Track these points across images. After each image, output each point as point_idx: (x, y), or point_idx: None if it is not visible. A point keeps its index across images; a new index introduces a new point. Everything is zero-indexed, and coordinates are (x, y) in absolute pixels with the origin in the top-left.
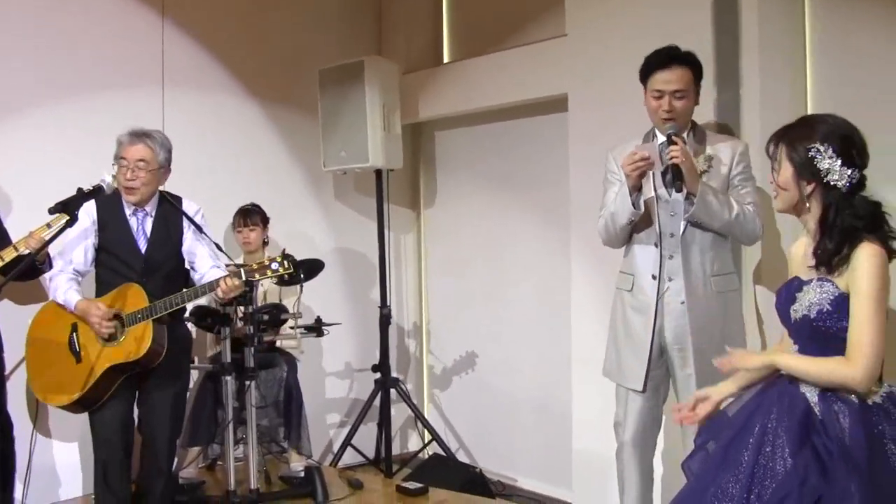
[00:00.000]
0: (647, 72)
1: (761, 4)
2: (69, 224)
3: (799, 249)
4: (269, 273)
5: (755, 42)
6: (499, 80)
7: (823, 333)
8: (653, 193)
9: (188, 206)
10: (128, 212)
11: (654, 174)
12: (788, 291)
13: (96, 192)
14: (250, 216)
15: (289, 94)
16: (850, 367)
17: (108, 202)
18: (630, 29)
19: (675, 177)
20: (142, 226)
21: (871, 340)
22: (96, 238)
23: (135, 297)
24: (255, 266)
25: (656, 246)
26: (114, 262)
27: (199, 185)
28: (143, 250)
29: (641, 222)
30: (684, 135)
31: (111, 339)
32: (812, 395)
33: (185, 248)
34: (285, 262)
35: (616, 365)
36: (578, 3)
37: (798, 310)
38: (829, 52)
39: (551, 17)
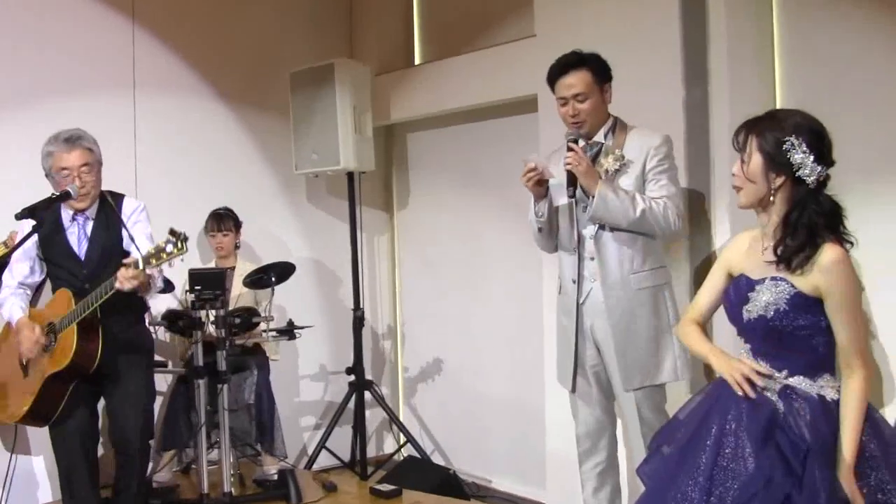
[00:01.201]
0: (550, 85)
1: (728, 4)
2: (36, 229)
3: (742, 243)
4: (164, 256)
5: (723, 39)
6: (469, 81)
7: (779, 332)
8: (571, 199)
9: (129, 201)
10: (66, 218)
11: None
12: (738, 291)
13: (64, 197)
14: (223, 221)
15: (260, 96)
16: (860, 377)
17: (46, 213)
18: (598, 29)
19: (568, 182)
20: (83, 230)
21: (862, 342)
22: (39, 250)
23: (62, 303)
24: (151, 251)
25: (575, 250)
26: (58, 271)
27: (170, 188)
28: (81, 256)
29: (564, 227)
30: (602, 132)
31: (47, 349)
32: (772, 394)
33: (124, 246)
34: (178, 243)
35: (557, 366)
36: (547, 3)
37: (752, 310)
38: (798, 48)
39: (520, 17)
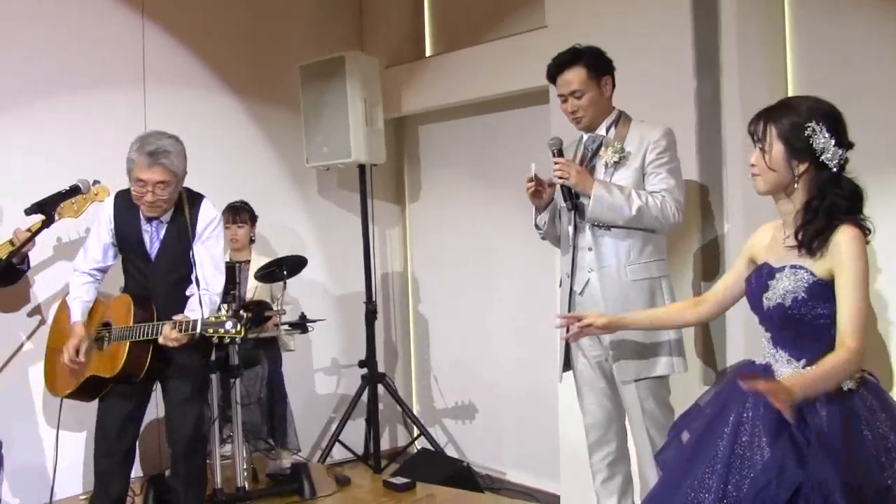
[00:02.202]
0: (551, 82)
1: None
2: (45, 225)
3: (765, 235)
4: (221, 332)
5: (734, 29)
6: (481, 73)
7: (798, 321)
8: (571, 211)
9: (206, 212)
10: (143, 219)
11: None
12: (759, 279)
13: (73, 193)
14: (239, 213)
15: (270, 90)
16: (848, 350)
17: (125, 205)
18: (609, 19)
19: (564, 196)
20: (157, 232)
21: (861, 321)
22: (113, 238)
23: (122, 311)
24: (211, 319)
25: (573, 242)
26: (129, 263)
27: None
28: (152, 256)
29: (565, 219)
30: (605, 125)
31: (101, 343)
32: None
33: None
34: (239, 327)
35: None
36: None
37: (772, 298)
38: (809, 37)
39: (531, 8)
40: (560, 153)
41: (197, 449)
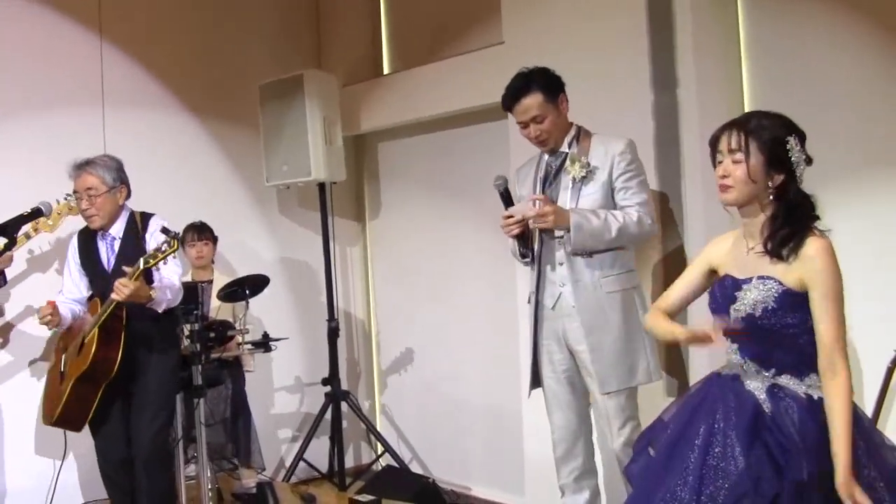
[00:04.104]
0: (507, 111)
1: (694, 10)
2: (7, 248)
3: (724, 244)
4: (159, 255)
5: (690, 43)
6: (439, 90)
7: (767, 331)
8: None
9: (155, 221)
10: (99, 238)
11: (536, 184)
12: (723, 291)
13: (35, 215)
14: (202, 231)
15: (229, 110)
16: (844, 377)
17: (87, 232)
18: (566, 35)
19: (523, 241)
20: (111, 247)
21: (844, 341)
22: (80, 266)
23: (94, 311)
24: (149, 253)
25: (540, 259)
26: (94, 285)
27: (140, 203)
28: (109, 270)
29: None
30: (566, 141)
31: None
32: (760, 393)
33: None
34: (171, 242)
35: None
36: (515, 10)
37: (740, 309)
38: (764, 51)
39: (488, 25)
40: (507, 193)
41: (160, 464)
